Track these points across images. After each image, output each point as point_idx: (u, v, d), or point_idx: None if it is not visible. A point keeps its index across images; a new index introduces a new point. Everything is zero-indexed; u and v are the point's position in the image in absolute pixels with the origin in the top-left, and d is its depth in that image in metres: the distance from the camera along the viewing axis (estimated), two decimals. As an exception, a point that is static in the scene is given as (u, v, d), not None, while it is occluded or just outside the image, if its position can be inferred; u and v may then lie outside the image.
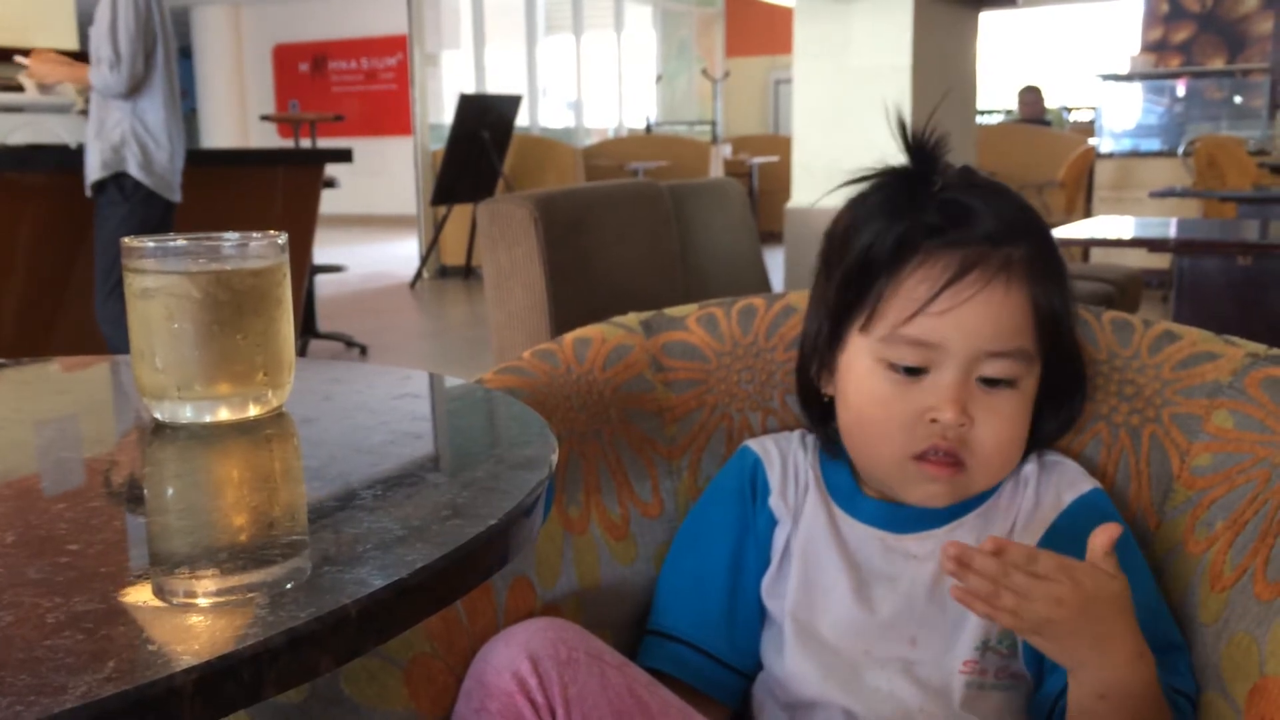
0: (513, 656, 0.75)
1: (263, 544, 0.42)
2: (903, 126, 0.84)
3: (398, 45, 10.59)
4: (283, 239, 0.64)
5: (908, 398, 0.81)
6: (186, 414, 0.61)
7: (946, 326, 0.79)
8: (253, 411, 0.62)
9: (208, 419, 0.61)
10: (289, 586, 0.37)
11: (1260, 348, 0.91)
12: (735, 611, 0.90)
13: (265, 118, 6.06)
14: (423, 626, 0.78)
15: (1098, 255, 5.23)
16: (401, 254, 9.07)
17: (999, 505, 0.85)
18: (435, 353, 5.33)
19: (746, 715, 0.91)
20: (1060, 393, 0.87)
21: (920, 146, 0.84)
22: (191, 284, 0.60)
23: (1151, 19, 6.74)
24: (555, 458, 0.52)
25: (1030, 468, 0.86)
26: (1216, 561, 0.80)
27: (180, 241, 0.62)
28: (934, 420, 0.80)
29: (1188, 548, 0.83)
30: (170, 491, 0.53)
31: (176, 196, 3.45)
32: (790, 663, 0.86)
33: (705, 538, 0.93)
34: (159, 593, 0.37)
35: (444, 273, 7.85)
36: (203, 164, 3.83)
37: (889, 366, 0.81)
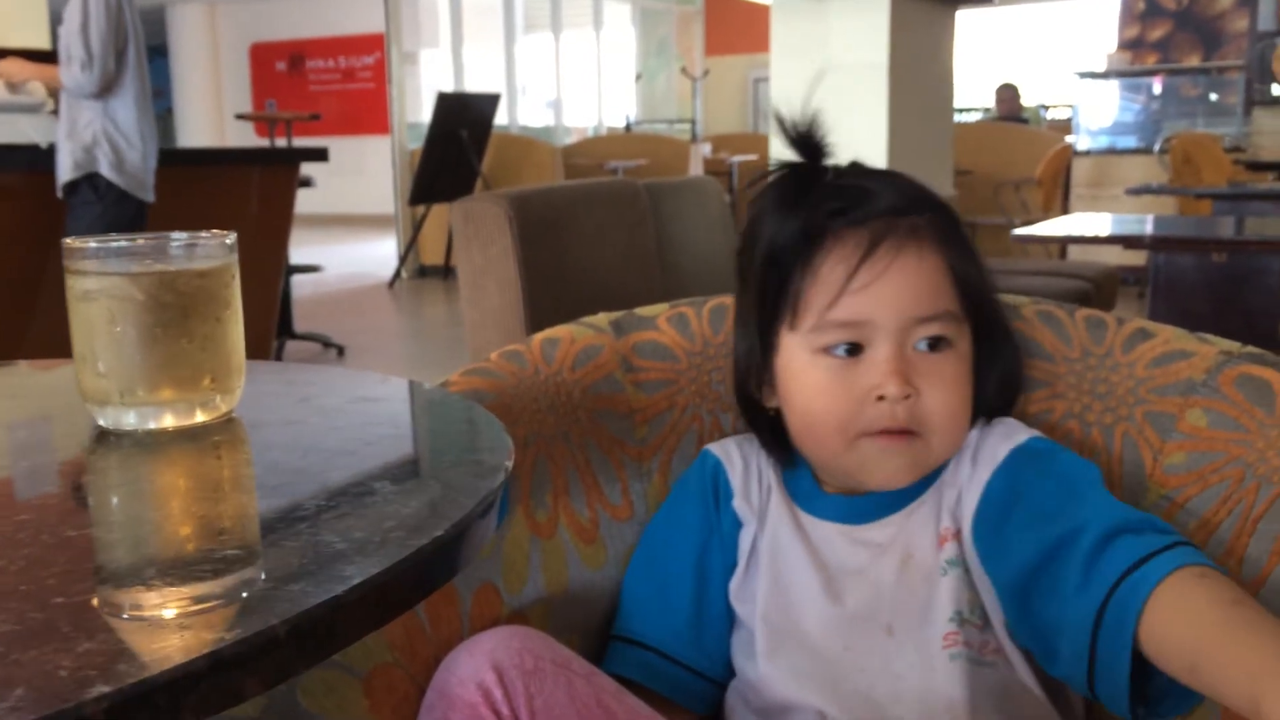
0: (477, 666, 0.73)
1: (196, 559, 0.40)
2: (781, 121, 0.84)
3: (375, 44, 10.53)
4: (231, 239, 0.62)
5: (849, 381, 0.80)
6: (130, 420, 0.59)
7: (870, 301, 0.79)
8: (200, 418, 0.60)
9: (152, 425, 0.59)
10: (216, 605, 0.35)
11: (1234, 345, 0.90)
12: (702, 616, 0.89)
13: (241, 116, 6.01)
14: (384, 635, 0.76)
15: (1075, 252, 5.25)
16: (380, 254, 9.02)
17: (947, 478, 0.84)
18: (413, 353, 5.30)
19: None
20: (995, 362, 0.87)
21: (805, 138, 0.84)
22: (134, 285, 0.58)
23: (1128, 17, 6.77)
24: (510, 464, 0.51)
25: (973, 434, 0.85)
26: (1191, 562, 0.79)
27: (123, 242, 0.59)
28: (880, 398, 0.79)
29: (1162, 548, 0.82)
30: (105, 503, 0.51)
31: (149, 196, 3.42)
32: (763, 666, 0.85)
33: (669, 542, 0.91)
34: (78, 613, 0.35)
35: (423, 272, 7.81)
36: (176, 163, 3.79)
37: (825, 354, 0.81)
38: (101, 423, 0.60)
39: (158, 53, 13.01)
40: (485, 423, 0.59)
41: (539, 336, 1.04)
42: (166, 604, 0.35)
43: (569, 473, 0.93)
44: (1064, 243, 4.09)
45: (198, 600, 0.36)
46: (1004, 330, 0.88)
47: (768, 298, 0.84)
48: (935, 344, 0.81)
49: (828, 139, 0.85)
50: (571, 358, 1.00)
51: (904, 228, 0.81)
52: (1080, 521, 0.73)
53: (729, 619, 0.89)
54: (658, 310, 1.07)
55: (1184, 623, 0.65)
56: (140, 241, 0.60)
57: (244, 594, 0.36)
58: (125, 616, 0.35)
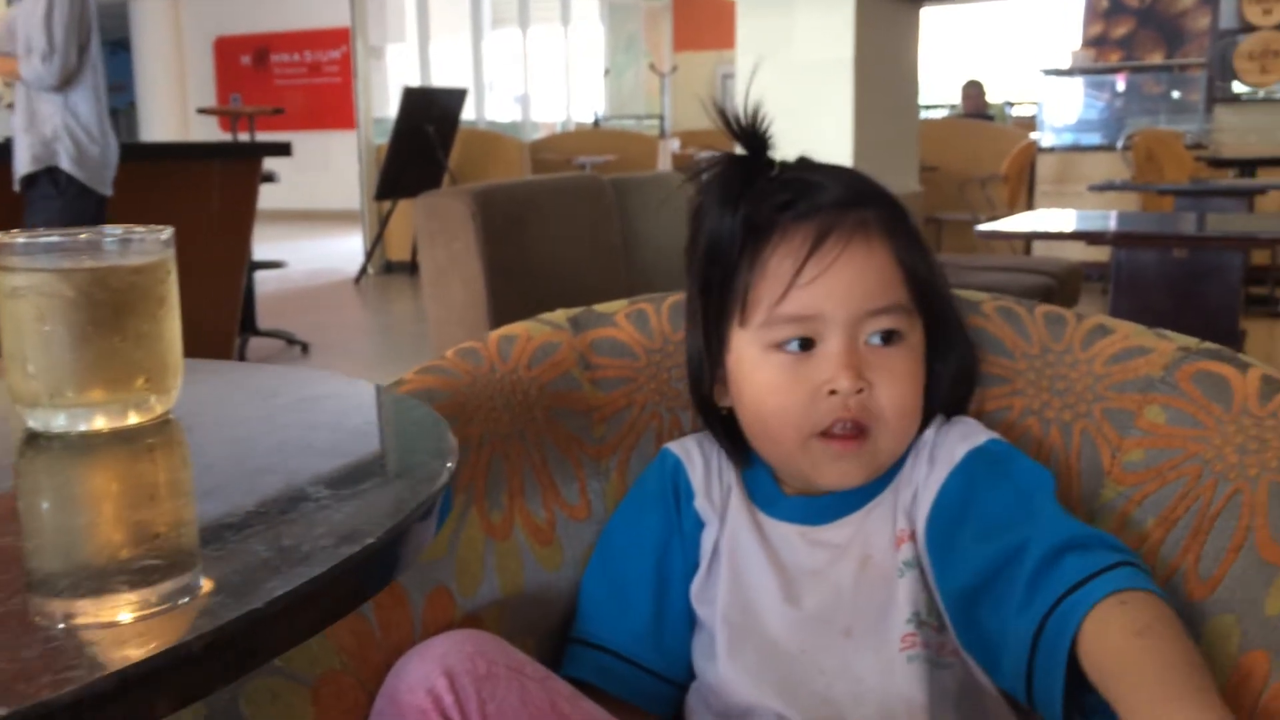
0: (428, 672, 0.71)
1: (113, 570, 0.38)
2: (722, 114, 0.83)
3: (341, 38, 10.43)
4: (167, 234, 0.60)
5: (801, 376, 0.80)
6: (60, 422, 0.57)
7: (819, 295, 0.78)
8: (133, 419, 0.58)
9: (83, 428, 0.57)
10: (129, 620, 0.33)
11: (1192, 341, 0.90)
12: (663, 618, 0.87)
13: (203, 111, 5.94)
14: (332, 640, 0.74)
15: (1039, 248, 5.28)
16: (346, 249, 8.95)
17: (904, 477, 0.84)
18: (379, 349, 5.25)
19: (679, 722, 0.88)
20: (948, 356, 0.86)
21: (749, 130, 0.83)
22: (63, 282, 0.56)
23: (1092, 14, 6.81)
24: (452, 465, 0.49)
25: (929, 432, 0.85)
26: (1148, 560, 0.78)
27: (54, 237, 0.57)
28: (832, 392, 0.78)
29: (1119, 546, 0.82)
30: (27, 508, 0.49)
31: (109, 190, 3.37)
32: (724, 668, 0.84)
33: (629, 543, 0.90)
34: (-17, 627, 0.33)
35: (389, 268, 7.75)
36: (136, 158, 3.73)
37: (776, 349, 0.80)
38: (31, 425, 0.58)
39: (120, 46, 12.85)
40: (430, 423, 0.57)
41: (495, 334, 1.02)
42: (75, 618, 0.34)
43: (525, 472, 0.92)
44: (1028, 239, 4.12)
45: (110, 614, 0.34)
46: (956, 325, 0.88)
47: (714, 294, 0.83)
48: (888, 337, 0.80)
49: (771, 132, 0.84)
50: (528, 355, 0.99)
51: (851, 220, 0.80)
52: (1027, 537, 0.73)
53: (690, 620, 0.88)
54: (616, 307, 1.06)
55: (1100, 651, 0.66)
56: (72, 237, 0.58)
57: (159, 607, 0.34)
58: (31, 632, 0.33)
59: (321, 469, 0.49)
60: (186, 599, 0.35)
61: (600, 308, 1.06)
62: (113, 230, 0.59)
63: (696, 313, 0.88)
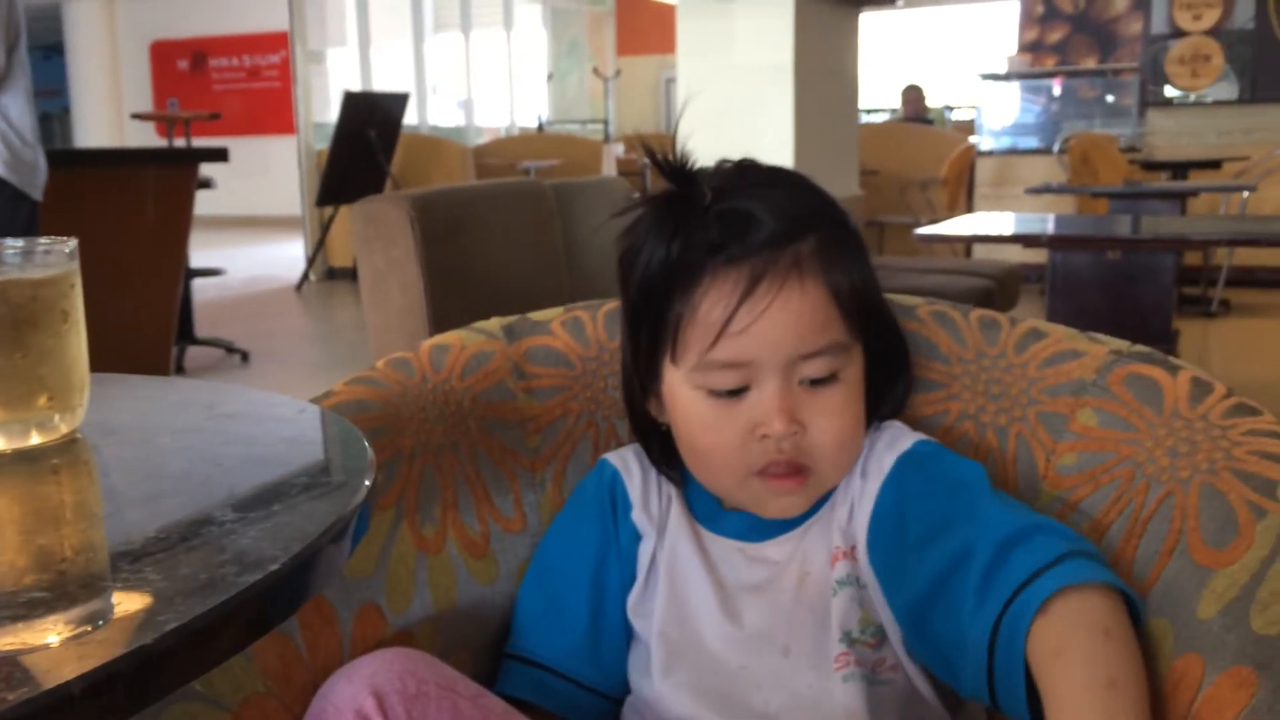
0: (355, 693, 0.69)
1: (-3, 603, 0.36)
2: (651, 153, 0.80)
3: (280, 42, 10.29)
4: (71, 245, 0.57)
5: (735, 418, 0.78)
6: (-44, 444, 0.54)
7: (752, 343, 0.76)
8: (35, 439, 0.55)
9: (-19, 449, 0.54)
10: (5, 658, 0.31)
11: (1124, 344, 0.91)
12: (599, 632, 0.86)
13: (138, 116, 5.82)
14: (256, 663, 0.71)
15: (979, 250, 5.35)
16: (287, 256, 8.82)
17: (839, 493, 0.83)
18: (320, 357, 5.18)
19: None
20: (889, 365, 0.85)
21: (675, 169, 0.79)
22: (-42, 297, 0.53)
23: (1028, 20, 6.92)
24: (369, 483, 0.47)
25: (863, 443, 0.84)
26: (1083, 563, 0.78)
27: (-51, 250, 0.54)
28: (765, 435, 0.77)
29: (1055, 550, 0.82)
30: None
31: (40, 195, 3.28)
32: (659, 683, 0.83)
33: (565, 556, 0.88)
34: None
35: (331, 274, 7.65)
36: (69, 164, 3.64)
37: (708, 393, 0.78)
38: (-73, 446, 0.55)
39: (54, 50, 12.57)
40: (349, 438, 0.55)
41: (428, 343, 1.00)
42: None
43: (459, 484, 0.90)
44: (966, 241, 4.16)
45: (-15, 655, 0.32)
46: (893, 333, 0.87)
47: (643, 329, 0.81)
48: (823, 379, 0.78)
49: (698, 165, 0.80)
50: (461, 365, 0.97)
51: (786, 259, 0.76)
52: (970, 538, 0.73)
53: (626, 634, 0.87)
54: (551, 314, 1.04)
55: (1034, 659, 0.67)
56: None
57: (40, 644, 0.32)
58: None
59: (229, 490, 0.47)
60: (73, 635, 0.33)
61: (535, 316, 1.04)
62: (13, 243, 0.56)
63: (627, 341, 0.86)
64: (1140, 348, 0.90)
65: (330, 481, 0.49)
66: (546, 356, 0.99)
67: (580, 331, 1.02)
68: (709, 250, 0.76)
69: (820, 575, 0.81)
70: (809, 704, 0.77)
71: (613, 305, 1.01)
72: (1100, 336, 0.93)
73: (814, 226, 0.79)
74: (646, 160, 0.83)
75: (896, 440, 0.83)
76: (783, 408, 0.76)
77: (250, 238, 10.73)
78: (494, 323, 1.02)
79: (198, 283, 5.27)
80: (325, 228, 7.27)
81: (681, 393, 0.80)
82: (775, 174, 0.83)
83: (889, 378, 0.86)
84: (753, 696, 0.79)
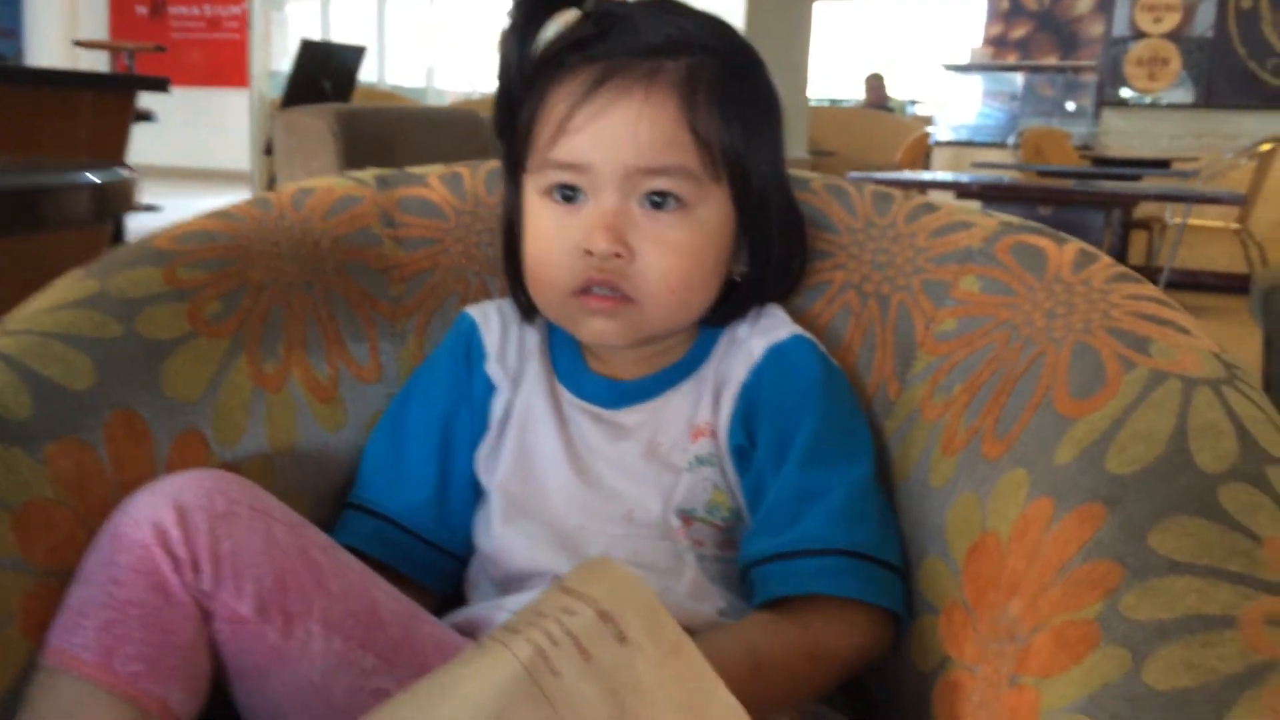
0: (155, 505, 0.63)
1: None
2: None
3: (243, -9, 10.07)
4: None
5: (566, 229, 0.74)
6: None
7: (588, 144, 0.72)
8: None
9: None
10: None
11: (1018, 219, 0.87)
12: (446, 487, 0.81)
13: (80, 43, 5.66)
14: (46, 469, 0.65)
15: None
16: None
17: (708, 369, 0.79)
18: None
19: (460, 598, 0.82)
20: (767, 242, 0.80)
21: None
22: None
23: (993, 15, 6.93)
24: None
25: (744, 326, 0.80)
26: (951, 425, 0.75)
27: None
28: (589, 252, 0.72)
29: (925, 414, 0.78)
30: None
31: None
32: (499, 533, 0.78)
33: (416, 406, 0.84)
34: None
35: (278, 227, 7.51)
36: (8, 81, 3.50)
37: (548, 197, 0.75)
38: None
39: (7, -13, 12.23)
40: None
41: (293, 185, 0.95)
42: None
43: (309, 325, 0.84)
44: (903, 188, 4.17)
45: None
46: (782, 209, 0.80)
47: (506, 135, 0.77)
48: (660, 201, 0.73)
49: None
50: (325, 207, 0.91)
51: (641, 70, 0.72)
52: (789, 457, 0.74)
53: (475, 491, 0.82)
54: (431, 169, 0.99)
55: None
56: None
57: None
58: None
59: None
60: None
61: (413, 169, 0.99)
62: None
63: (503, 160, 0.82)
64: (1034, 224, 0.86)
65: None
66: (420, 207, 0.94)
67: (458, 185, 0.97)
68: (572, 45, 0.73)
69: (671, 448, 0.77)
70: (646, 566, 0.73)
71: (495, 164, 0.96)
72: (996, 214, 0.90)
73: (695, 54, 0.74)
74: None
75: (773, 329, 0.79)
76: (609, 224, 0.72)
77: (199, 189, 10.52)
78: (368, 172, 0.97)
79: (135, 220, 5.13)
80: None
81: (530, 202, 0.77)
82: (694, 10, 0.77)
83: (769, 255, 0.81)
84: (593, 548, 0.75)
